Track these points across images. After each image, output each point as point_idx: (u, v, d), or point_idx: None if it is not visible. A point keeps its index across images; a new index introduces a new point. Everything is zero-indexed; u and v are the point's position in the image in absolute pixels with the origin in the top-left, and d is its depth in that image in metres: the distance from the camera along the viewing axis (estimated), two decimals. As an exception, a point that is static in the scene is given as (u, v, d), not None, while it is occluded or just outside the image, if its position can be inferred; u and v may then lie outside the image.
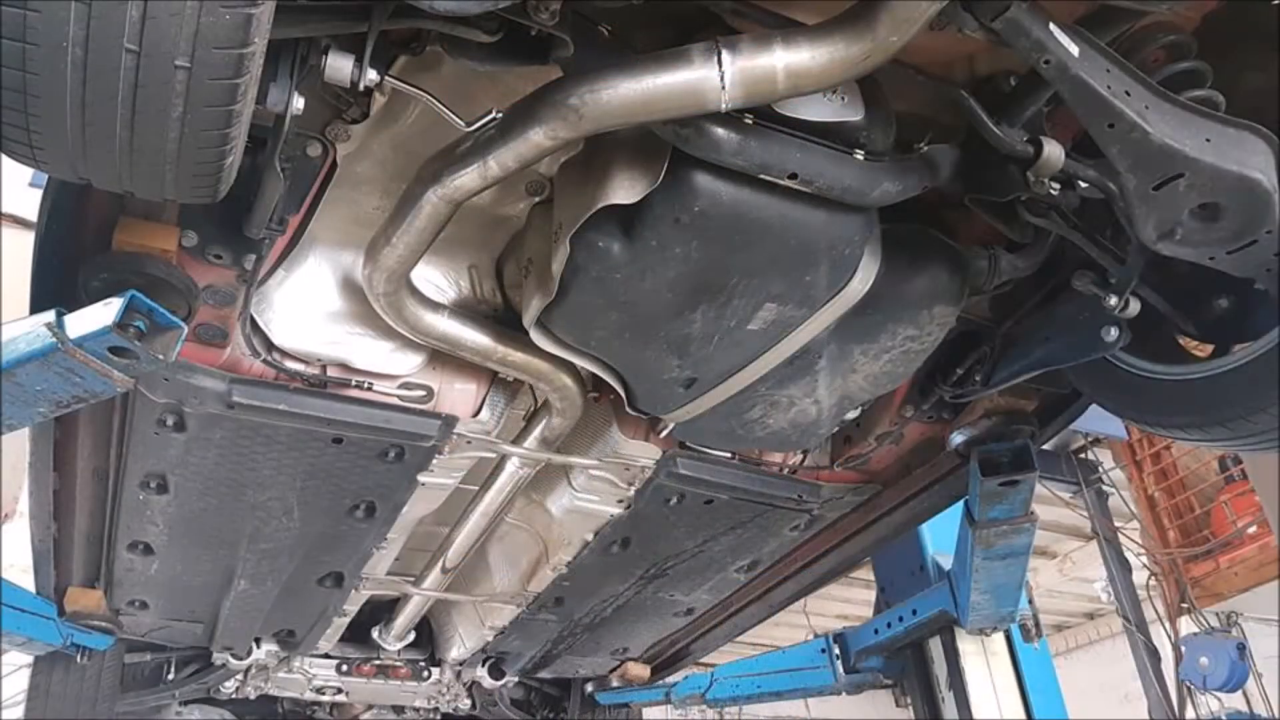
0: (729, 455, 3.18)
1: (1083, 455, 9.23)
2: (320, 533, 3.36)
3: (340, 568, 3.71)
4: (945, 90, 2.00)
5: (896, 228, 2.24)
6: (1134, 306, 2.24)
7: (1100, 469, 9.23)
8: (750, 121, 1.83)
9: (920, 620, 4.53)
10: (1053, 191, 2.01)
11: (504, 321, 2.60)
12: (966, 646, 4.61)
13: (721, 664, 5.46)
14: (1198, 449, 8.61)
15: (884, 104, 1.97)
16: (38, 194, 2.20)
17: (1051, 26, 1.70)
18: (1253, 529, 8.41)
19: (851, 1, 1.67)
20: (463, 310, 2.53)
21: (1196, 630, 8.59)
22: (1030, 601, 4.78)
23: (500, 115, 1.85)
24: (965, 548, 3.59)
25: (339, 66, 1.73)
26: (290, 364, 2.63)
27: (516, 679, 5.34)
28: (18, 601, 3.73)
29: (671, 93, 1.68)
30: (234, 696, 5.24)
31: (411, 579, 4.07)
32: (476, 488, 3.34)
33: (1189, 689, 8.36)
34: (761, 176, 1.89)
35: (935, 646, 4.71)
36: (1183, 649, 8.40)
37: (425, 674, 5.15)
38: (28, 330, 2.01)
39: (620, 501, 3.34)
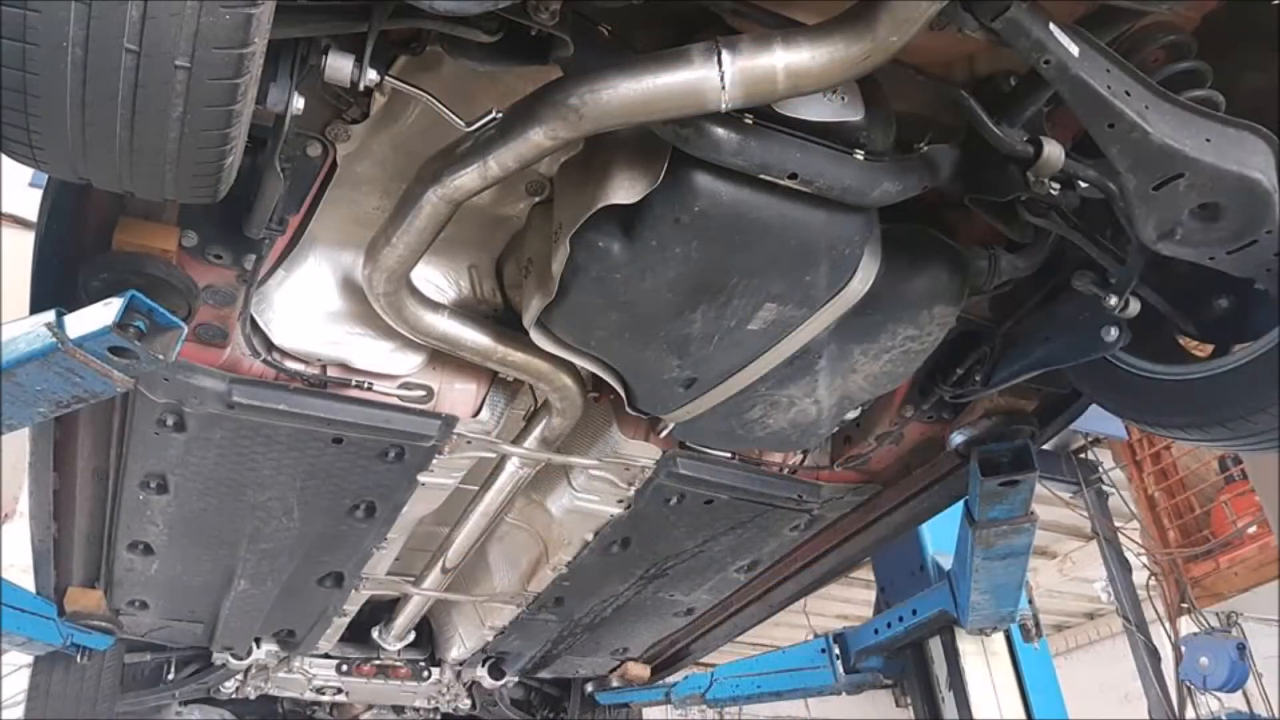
0: (729, 455, 3.18)
1: (1083, 455, 9.22)
2: (320, 533, 3.36)
3: (340, 568, 3.71)
4: (945, 90, 2.00)
5: (896, 228, 2.24)
6: (1134, 306, 2.24)
7: (1100, 469, 9.22)
8: (750, 121, 1.83)
9: (920, 620, 4.53)
10: (1053, 191, 2.01)
11: (504, 321, 2.60)
12: (966, 646, 4.60)
13: (721, 664, 5.46)
14: (1198, 449, 8.61)
15: (884, 104, 1.97)
16: (38, 194, 2.20)
17: (1051, 26, 1.70)
18: (1253, 529, 8.41)
19: (851, 1, 1.67)
20: (463, 310, 2.53)
21: (1196, 630, 8.59)
22: (1030, 601, 4.78)
23: (500, 115, 1.85)
24: (965, 548, 3.59)
25: (339, 66, 1.73)
26: (290, 364, 2.63)
27: (516, 679, 5.34)
28: (18, 601, 3.73)
29: (671, 93, 1.68)
30: (234, 696, 5.24)
31: (411, 579, 4.07)
32: (476, 488, 3.34)
33: (1189, 689, 8.35)
34: (761, 176, 1.89)
35: (935, 646, 4.71)
36: (1183, 649, 8.39)
37: (425, 674, 5.14)
38: (28, 330, 2.00)
39: (620, 501, 3.34)
